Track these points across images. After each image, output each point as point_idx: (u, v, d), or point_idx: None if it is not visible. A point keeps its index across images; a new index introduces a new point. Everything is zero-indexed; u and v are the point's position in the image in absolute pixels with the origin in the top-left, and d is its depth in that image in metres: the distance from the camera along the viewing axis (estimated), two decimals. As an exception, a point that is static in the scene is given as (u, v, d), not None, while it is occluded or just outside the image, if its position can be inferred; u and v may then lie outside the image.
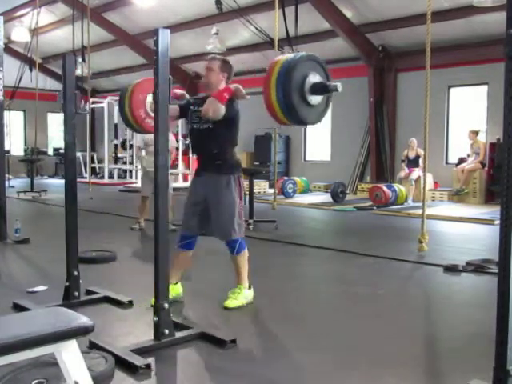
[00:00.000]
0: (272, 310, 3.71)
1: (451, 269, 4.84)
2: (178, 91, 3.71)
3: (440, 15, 9.45)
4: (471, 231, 7.36)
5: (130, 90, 3.89)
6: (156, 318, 2.93)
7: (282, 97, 2.98)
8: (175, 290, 3.77)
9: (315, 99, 3.09)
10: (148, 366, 2.64)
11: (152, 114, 3.81)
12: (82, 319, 1.72)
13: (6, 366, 1.84)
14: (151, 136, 6.69)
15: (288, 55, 3.15)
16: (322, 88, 3.11)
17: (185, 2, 13.12)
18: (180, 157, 14.87)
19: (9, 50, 15.69)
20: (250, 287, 3.79)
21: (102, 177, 16.39)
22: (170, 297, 3.53)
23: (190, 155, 11.72)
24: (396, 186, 10.14)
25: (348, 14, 11.58)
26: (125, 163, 17.01)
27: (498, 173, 9.93)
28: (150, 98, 3.78)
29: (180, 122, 15.23)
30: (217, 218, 3.64)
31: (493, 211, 8.48)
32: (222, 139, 3.61)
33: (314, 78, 3.08)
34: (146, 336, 3.04)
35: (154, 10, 13.50)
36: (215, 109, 3.42)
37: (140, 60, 16.13)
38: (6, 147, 7.90)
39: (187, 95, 3.82)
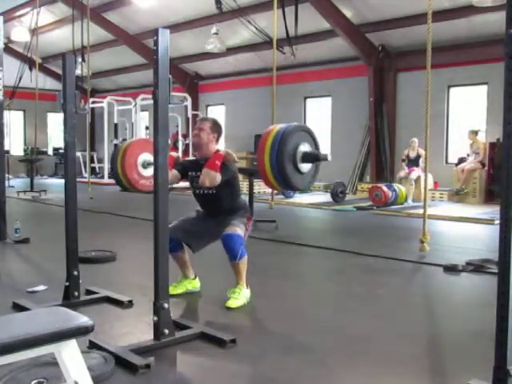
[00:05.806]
0: (272, 310, 3.71)
1: (451, 269, 4.84)
2: (174, 154, 3.83)
3: (440, 15, 9.46)
4: (471, 231, 7.36)
5: (122, 151, 3.88)
6: (156, 318, 2.93)
7: (275, 166, 3.20)
8: (193, 284, 4.04)
9: (305, 167, 3.32)
10: (148, 366, 2.64)
11: (144, 174, 3.84)
12: (82, 319, 1.72)
13: (6, 365, 1.84)
14: None
15: (281, 125, 3.34)
16: (314, 157, 3.35)
17: (185, 2, 13.13)
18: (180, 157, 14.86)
19: (9, 49, 15.69)
20: (247, 286, 3.81)
21: (102, 177, 16.38)
22: (188, 289, 3.98)
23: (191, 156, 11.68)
24: (396, 185, 10.13)
25: (348, 13, 11.58)
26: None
27: (498, 173, 9.94)
28: (142, 158, 3.86)
29: (179, 120, 15.27)
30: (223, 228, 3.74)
31: (493, 211, 8.48)
32: (226, 199, 3.81)
33: (305, 147, 3.31)
34: (145, 336, 3.04)
35: (154, 9, 13.53)
36: (211, 178, 3.58)
37: (140, 60, 16.14)
38: (6, 147, 7.91)
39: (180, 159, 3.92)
